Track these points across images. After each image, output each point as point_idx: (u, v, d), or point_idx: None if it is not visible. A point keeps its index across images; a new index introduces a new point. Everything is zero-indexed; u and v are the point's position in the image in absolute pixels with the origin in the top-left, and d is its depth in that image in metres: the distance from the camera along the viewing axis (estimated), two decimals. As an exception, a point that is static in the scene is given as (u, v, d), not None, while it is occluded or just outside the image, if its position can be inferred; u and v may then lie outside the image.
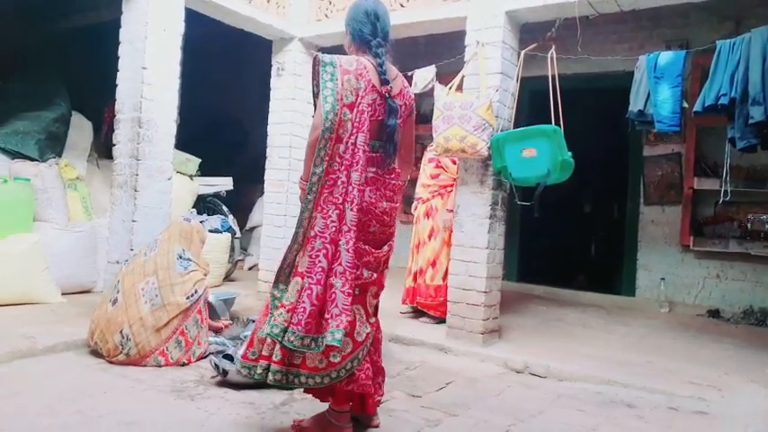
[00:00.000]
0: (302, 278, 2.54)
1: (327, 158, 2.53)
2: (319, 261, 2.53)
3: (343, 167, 2.56)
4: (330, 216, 2.54)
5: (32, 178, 5.13)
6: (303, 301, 2.52)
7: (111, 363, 3.64)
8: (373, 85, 2.63)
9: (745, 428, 3.16)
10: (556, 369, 3.97)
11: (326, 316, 2.52)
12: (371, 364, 2.76)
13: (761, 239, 5.90)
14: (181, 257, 3.89)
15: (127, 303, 3.70)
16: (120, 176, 4.44)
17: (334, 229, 2.54)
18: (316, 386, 2.59)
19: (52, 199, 5.20)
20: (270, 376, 2.55)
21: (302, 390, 2.71)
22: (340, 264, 2.53)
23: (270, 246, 5.76)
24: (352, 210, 2.56)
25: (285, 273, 2.62)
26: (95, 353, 3.75)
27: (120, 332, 3.62)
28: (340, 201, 2.55)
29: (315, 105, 2.64)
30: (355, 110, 2.57)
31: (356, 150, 2.57)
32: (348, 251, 2.54)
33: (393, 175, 2.75)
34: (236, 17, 5.15)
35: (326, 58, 2.60)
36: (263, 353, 2.57)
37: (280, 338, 2.50)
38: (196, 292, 3.85)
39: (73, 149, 5.92)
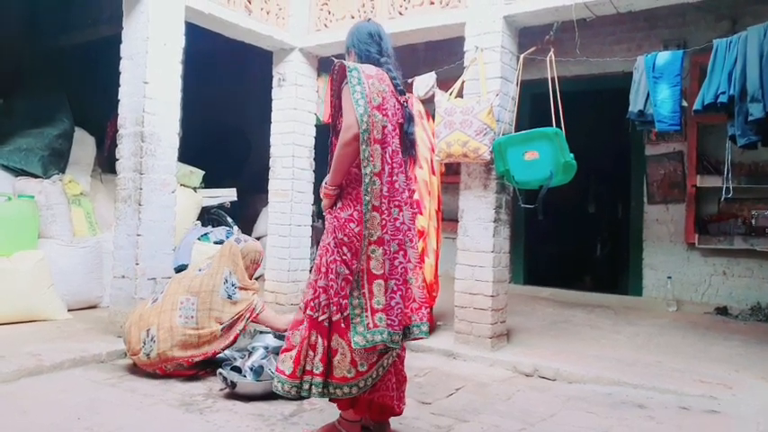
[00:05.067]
0: (385, 280, 2.55)
1: (371, 159, 2.53)
2: (399, 262, 2.59)
3: (395, 170, 2.61)
4: (398, 218, 2.60)
5: (36, 195, 5.15)
6: (398, 302, 2.56)
7: (131, 358, 3.70)
8: (392, 91, 2.69)
9: (757, 426, 3.14)
10: (565, 371, 3.96)
11: (406, 311, 2.61)
12: (396, 374, 2.76)
13: (765, 235, 5.90)
14: (227, 281, 3.77)
15: (163, 307, 3.71)
16: (123, 191, 4.45)
17: (404, 229, 2.62)
18: (344, 396, 2.59)
19: (56, 215, 5.22)
20: (313, 389, 2.56)
21: (328, 398, 2.70)
22: (410, 261, 2.64)
23: (275, 255, 5.75)
24: (408, 210, 2.66)
25: (356, 280, 2.56)
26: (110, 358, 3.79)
27: (147, 330, 3.64)
28: (398, 202, 2.61)
29: (332, 106, 2.74)
30: (389, 113, 2.62)
31: (397, 153, 2.64)
32: (413, 248, 2.67)
33: (411, 182, 2.80)
34: (236, 29, 5.16)
35: (350, 64, 2.64)
36: (307, 367, 2.57)
37: (389, 341, 2.51)
38: (235, 324, 3.72)
39: (76, 165, 5.95)
